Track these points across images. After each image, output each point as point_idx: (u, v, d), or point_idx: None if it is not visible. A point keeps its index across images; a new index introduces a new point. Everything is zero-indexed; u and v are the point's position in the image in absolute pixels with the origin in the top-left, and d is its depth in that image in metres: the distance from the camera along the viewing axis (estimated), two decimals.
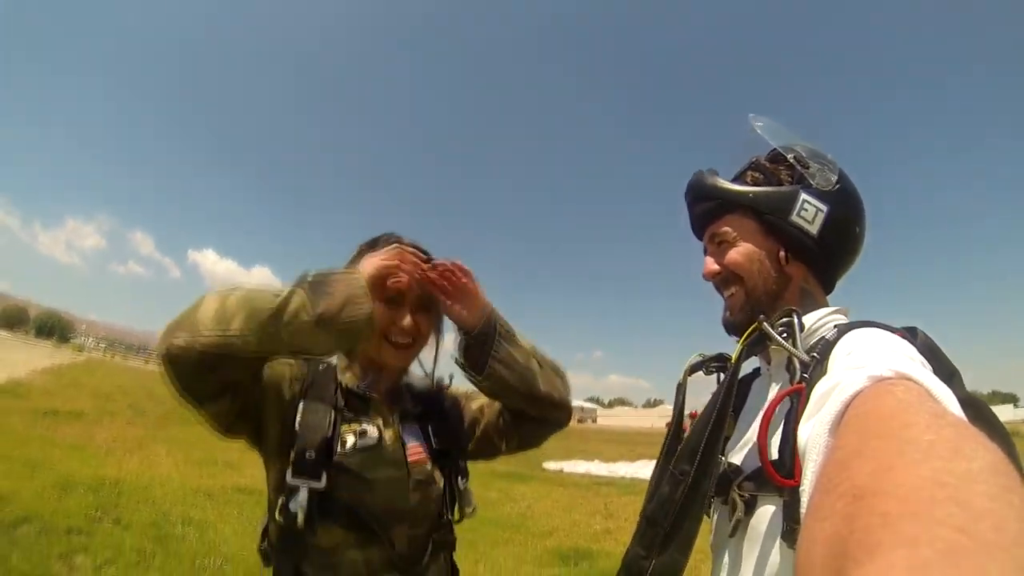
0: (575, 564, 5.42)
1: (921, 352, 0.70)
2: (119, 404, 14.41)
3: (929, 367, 0.66)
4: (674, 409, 1.04)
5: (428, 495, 1.16)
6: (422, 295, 1.17)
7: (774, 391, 0.91)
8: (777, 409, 0.72)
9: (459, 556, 1.27)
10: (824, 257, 0.96)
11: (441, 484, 1.19)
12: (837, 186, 0.94)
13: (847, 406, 0.46)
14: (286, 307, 0.94)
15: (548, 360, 1.24)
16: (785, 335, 0.81)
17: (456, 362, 1.21)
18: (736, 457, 0.90)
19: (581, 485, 11.56)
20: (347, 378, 1.18)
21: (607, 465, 14.98)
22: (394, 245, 1.14)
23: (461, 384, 1.28)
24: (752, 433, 0.90)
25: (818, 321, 0.88)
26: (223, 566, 4.01)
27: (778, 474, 0.68)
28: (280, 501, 1.03)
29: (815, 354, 0.76)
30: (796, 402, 0.70)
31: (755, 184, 0.98)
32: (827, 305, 0.95)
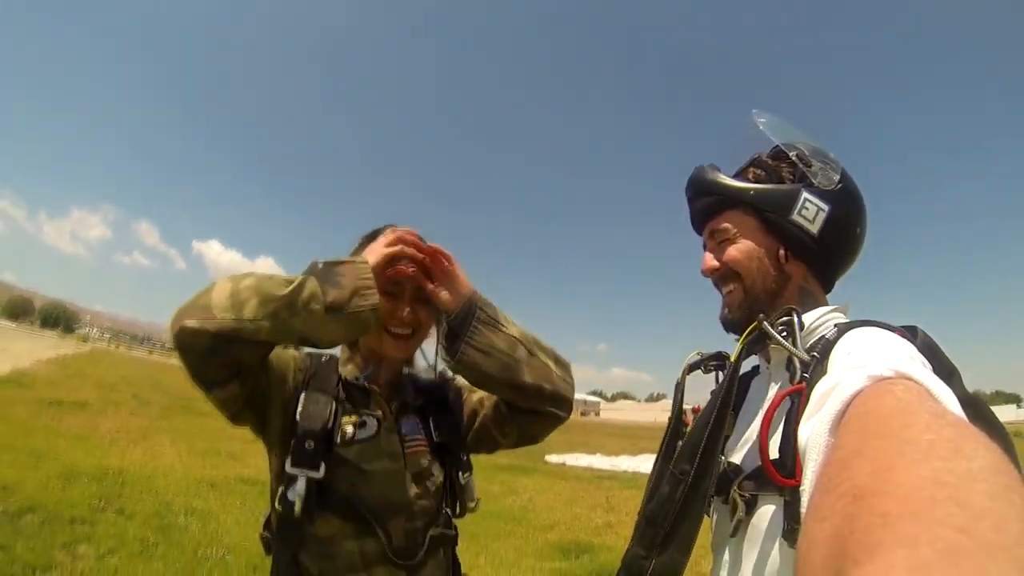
0: (576, 557, 5.42)
1: (921, 351, 0.70)
2: (123, 394, 14.52)
3: (929, 366, 0.66)
4: (672, 407, 1.04)
5: (426, 488, 1.15)
6: (420, 286, 1.15)
7: (774, 390, 0.91)
8: (777, 409, 0.72)
9: (460, 548, 1.26)
10: (824, 257, 0.95)
11: (441, 477, 1.19)
12: (839, 186, 0.94)
13: (847, 406, 0.46)
14: (299, 295, 0.95)
15: (547, 349, 1.18)
16: (785, 334, 0.81)
17: (437, 348, 1.19)
18: (736, 456, 0.90)
19: (583, 478, 11.57)
20: (348, 370, 1.19)
21: (609, 459, 14.99)
22: (390, 229, 1.13)
23: None
24: (751, 432, 0.90)
25: (817, 320, 0.88)
26: (225, 556, 4.04)
27: (779, 474, 0.68)
28: (280, 490, 1.04)
29: (815, 353, 0.76)
30: (797, 402, 0.70)
31: (756, 181, 0.98)
32: (827, 304, 0.95)
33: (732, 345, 0.92)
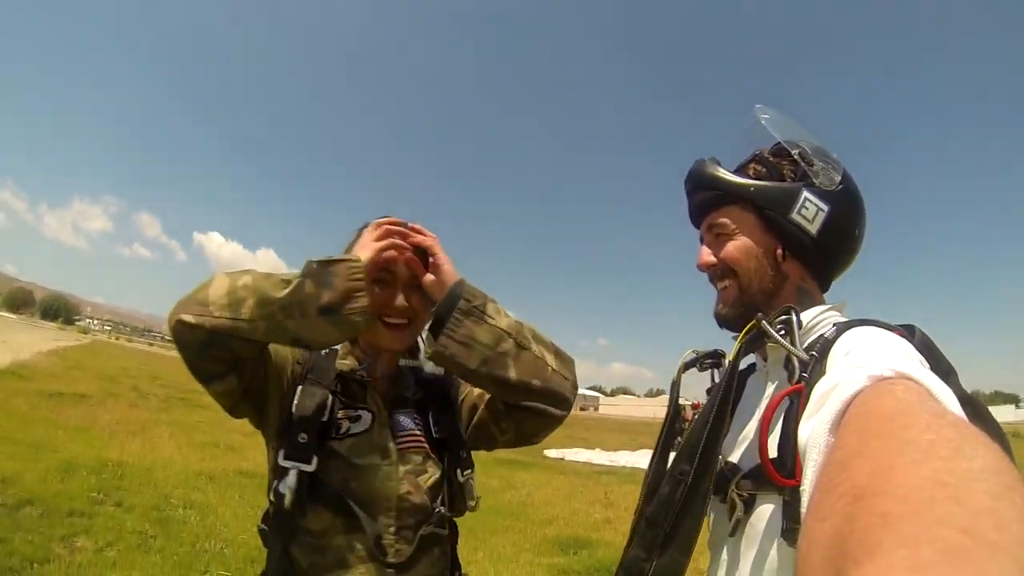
0: (574, 553, 5.43)
1: (918, 350, 0.70)
2: (123, 386, 14.54)
3: (927, 365, 0.66)
4: (668, 406, 1.04)
5: (418, 485, 1.13)
6: (412, 273, 1.13)
7: (771, 389, 0.91)
8: (776, 408, 0.72)
9: (458, 543, 1.24)
10: (821, 257, 0.95)
11: (437, 475, 1.16)
12: (840, 187, 0.93)
13: (847, 406, 0.46)
14: (293, 297, 0.95)
15: (546, 343, 1.11)
16: (783, 333, 0.81)
17: (425, 339, 1.17)
18: (733, 455, 0.90)
19: (582, 473, 11.59)
20: (345, 363, 1.18)
21: (608, 454, 14.99)
22: (375, 223, 1.10)
23: None
24: (749, 430, 0.90)
25: (815, 318, 0.88)
26: (223, 549, 4.05)
27: (779, 473, 0.68)
28: (274, 483, 1.04)
29: (814, 352, 0.76)
30: (796, 401, 0.70)
31: (757, 177, 0.97)
32: (824, 303, 0.95)
33: (730, 342, 0.92)
